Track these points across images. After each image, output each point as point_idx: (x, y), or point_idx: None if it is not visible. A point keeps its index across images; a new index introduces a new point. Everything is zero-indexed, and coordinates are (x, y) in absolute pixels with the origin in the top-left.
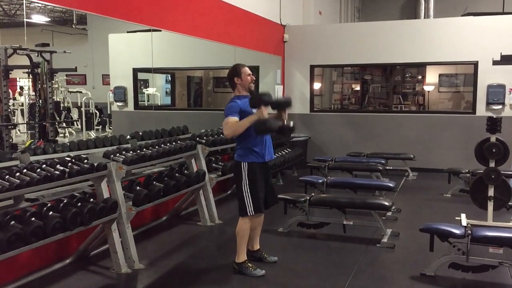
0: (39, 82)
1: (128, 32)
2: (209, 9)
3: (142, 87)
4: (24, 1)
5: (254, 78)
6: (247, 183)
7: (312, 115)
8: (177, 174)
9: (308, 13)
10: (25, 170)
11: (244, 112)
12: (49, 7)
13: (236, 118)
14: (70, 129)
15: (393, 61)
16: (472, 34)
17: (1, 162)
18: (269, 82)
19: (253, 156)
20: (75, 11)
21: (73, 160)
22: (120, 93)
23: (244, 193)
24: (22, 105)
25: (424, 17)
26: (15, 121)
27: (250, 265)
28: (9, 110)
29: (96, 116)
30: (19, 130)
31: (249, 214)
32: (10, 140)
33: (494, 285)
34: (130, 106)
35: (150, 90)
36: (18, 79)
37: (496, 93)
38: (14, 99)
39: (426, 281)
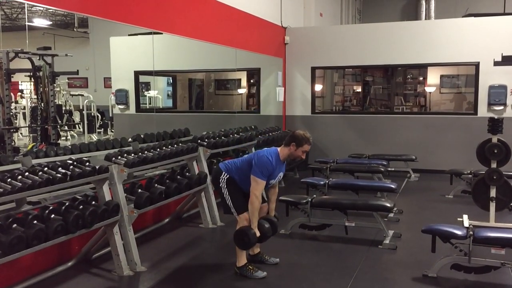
0: (41, 85)
1: (129, 35)
2: (210, 12)
3: (143, 90)
4: (26, 5)
5: (304, 158)
6: (227, 192)
7: (314, 116)
8: (178, 177)
9: (309, 15)
10: (27, 173)
11: (271, 176)
12: (51, 10)
13: (264, 182)
14: (72, 132)
15: (394, 62)
16: (473, 35)
17: (3, 165)
18: (270, 84)
19: (238, 183)
20: (77, 14)
21: (75, 163)
22: (121, 96)
23: (225, 196)
24: (24, 108)
25: (425, 18)
26: (17, 124)
27: (251, 267)
28: (11, 113)
29: (98, 119)
30: (21, 133)
31: (234, 214)
32: (12, 143)
33: (496, 286)
34: (132, 109)
35: (152, 93)
36: (20, 83)
37: (497, 94)
38: (16, 102)
39: (428, 282)
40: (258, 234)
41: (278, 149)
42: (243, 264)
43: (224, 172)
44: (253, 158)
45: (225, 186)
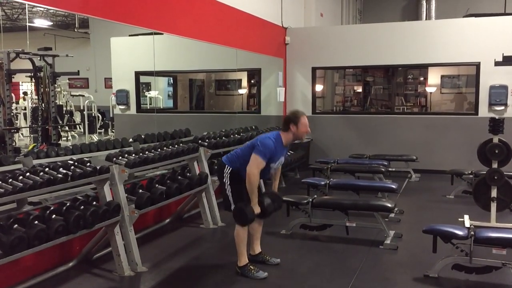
0: (42, 86)
1: (130, 35)
2: (210, 12)
3: (144, 90)
4: (27, 5)
5: (310, 131)
6: (230, 188)
7: (314, 117)
8: (179, 177)
9: (309, 15)
10: (28, 174)
11: (272, 157)
12: (51, 11)
13: (264, 163)
14: (72, 132)
15: (395, 62)
16: (474, 35)
17: (4, 166)
18: (271, 85)
19: (241, 173)
20: (77, 15)
21: (76, 163)
22: (122, 96)
23: (227, 192)
24: (25, 109)
25: (426, 19)
26: (18, 124)
27: (252, 267)
28: (12, 114)
29: (98, 119)
30: (22, 133)
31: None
32: (13, 144)
33: (498, 286)
34: (133, 109)
35: (152, 93)
36: (20, 83)
37: (498, 94)
38: (17, 103)
39: (429, 283)
40: (258, 210)
41: (281, 131)
42: (244, 264)
43: (227, 166)
44: (255, 142)
45: (228, 182)
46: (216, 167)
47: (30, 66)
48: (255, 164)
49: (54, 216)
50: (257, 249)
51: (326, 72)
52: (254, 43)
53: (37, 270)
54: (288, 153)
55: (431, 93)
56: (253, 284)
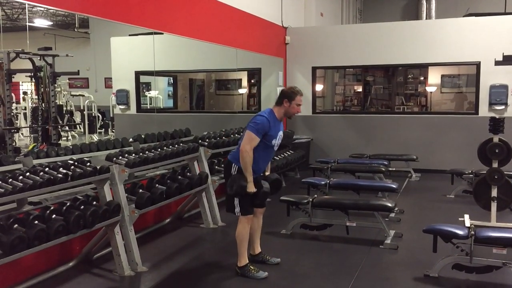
0: (42, 85)
1: (130, 35)
2: (211, 12)
3: (144, 90)
4: (27, 5)
5: (300, 111)
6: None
7: (314, 116)
8: (179, 177)
9: (309, 14)
10: (28, 174)
11: (270, 134)
12: (51, 11)
13: (258, 139)
14: (72, 132)
15: (395, 62)
16: (474, 35)
17: (4, 166)
18: (271, 84)
19: None
20: (77, 14)
21: (76, 163)
22: (122, 96)
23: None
24: (25, 108)
25: (426, 18)
26: (18, 124)
27: (252, 267)
28: (12, 113)
29: (98, 119)
30: (22, 133)
31: (236, 214)
32: (13, 144)
33: (498, 286)
34: (133, 109)
35: (153, 93)
36: (21, 83)
37: (498, 94)
38: (17, 102)
39: (429, 282)
40: (253, 190)
41: (274, 106)
42: (244, 264)
43: (233, 164)
44: (248, 124)
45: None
46: (223, 166)
47: (30, 66)
48: (248, 140)
49: (54, 216)
50: (257, 249)
51: (326, 71)
52: (254, 42)
53: (37, 270)
54: (288, 153)
55: (431, 92)
56: (253, 284)
